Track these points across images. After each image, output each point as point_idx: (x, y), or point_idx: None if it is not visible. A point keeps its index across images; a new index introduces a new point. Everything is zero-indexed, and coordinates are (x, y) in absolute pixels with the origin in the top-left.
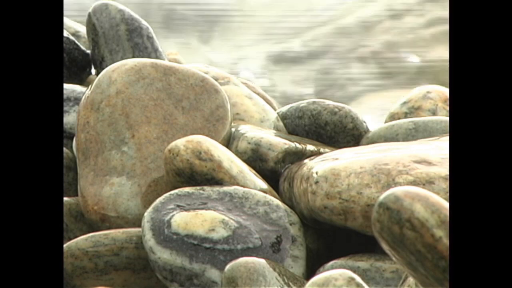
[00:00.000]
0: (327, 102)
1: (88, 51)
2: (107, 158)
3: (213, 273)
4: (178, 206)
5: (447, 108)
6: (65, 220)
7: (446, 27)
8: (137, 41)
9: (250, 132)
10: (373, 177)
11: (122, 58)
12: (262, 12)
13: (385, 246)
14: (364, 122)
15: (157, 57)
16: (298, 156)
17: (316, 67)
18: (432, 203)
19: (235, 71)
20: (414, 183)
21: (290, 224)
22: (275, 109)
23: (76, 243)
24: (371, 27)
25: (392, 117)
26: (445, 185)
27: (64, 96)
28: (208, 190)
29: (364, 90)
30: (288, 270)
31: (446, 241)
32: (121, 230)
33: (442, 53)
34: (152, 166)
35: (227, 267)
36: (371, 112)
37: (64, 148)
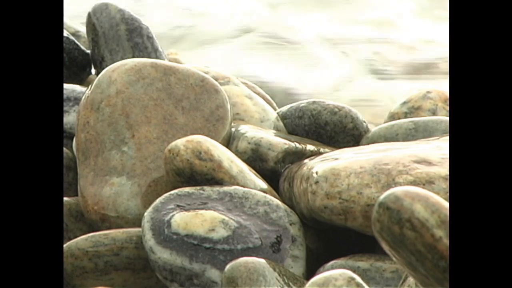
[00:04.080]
0: (327, 102)
1: (88, 51)
2: (107, 158)
3: (213, 273)
4: (178, 206)
5: (447, 108)
6: (65, 220)
7: None
8: (137, 41)
9: (250, 132)
10: (373, 177)
11: (122, 58)
12: None
13: (385, 246)
14: (364, 122)
15: (157, 57)
16: (298, 156)
17: None
18: (432, 203)
19: None
20: (414, 183)
21: (290, 224)
22: (275, 109)
23: (76, 243)
24: None
25: (392, 117)
26: (445, 185)
27: (64, 96)
28: (208, 190)
29: None
30: (288, 270)
31: (446, 241)
32: (121, 230)
33: None
34: (152, 166)
35: (227, 267)
36: None
37: (64, 148)
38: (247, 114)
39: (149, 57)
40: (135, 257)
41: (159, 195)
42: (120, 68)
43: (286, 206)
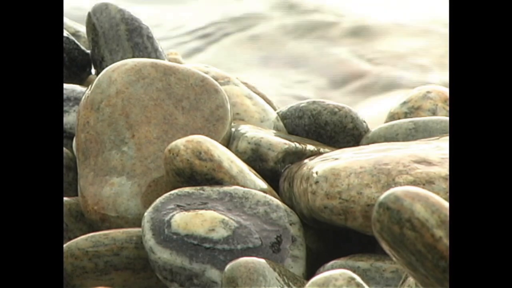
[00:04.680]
0: (327, 102)
1: (88, 51)
2: (107, 158)
3: (213, 273)
4: (178, 206)
5: (447, 108)
6: (65, 220)
7: None
8: (137, 41)
9: (250, 132)
10: (373, 177)
11: (122, 58)
12: None
13: (385, 246)
14: (364, 122)
15: (157, 57)
16: (298, 156)
17: None
18: (432, 203)
19: None
20: (414, 183)
21: (290, 224)
22: (275, 109)
23: (76, 243)
24: None
25: (392, 117)
26: (445, 185)
27: (64, 96)
28: (208, 190)
29: None
30: (288, 270)
31: (446, 241)
32: (121, 230)
33: None
34: (152, 166)
35: (227, 267)
36: None
37: (64, 148)
38: (247, 114)
39: (149, 57)
40: (135, 257)
41: (159, 195)
42: (120, 68)
43: (286, 206)
